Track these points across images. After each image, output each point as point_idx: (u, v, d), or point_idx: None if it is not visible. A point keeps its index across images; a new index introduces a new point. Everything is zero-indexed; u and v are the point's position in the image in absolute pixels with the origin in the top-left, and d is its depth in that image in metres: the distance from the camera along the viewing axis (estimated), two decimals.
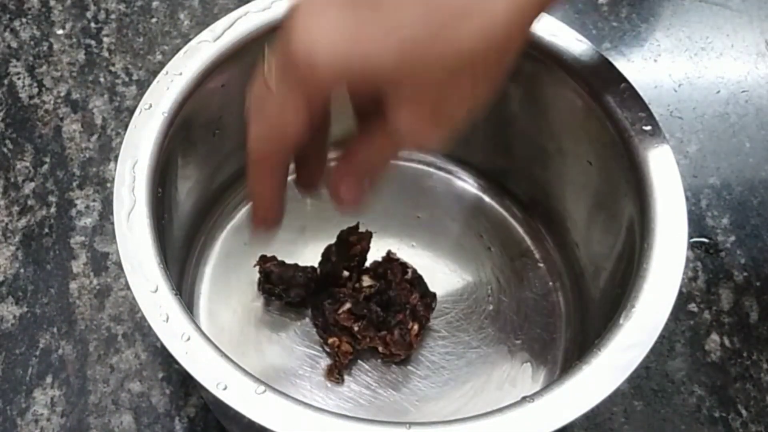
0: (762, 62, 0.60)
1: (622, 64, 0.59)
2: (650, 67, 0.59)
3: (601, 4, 0.62)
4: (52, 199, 0.52)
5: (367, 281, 0.46)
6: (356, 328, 0.44)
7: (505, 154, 0.50)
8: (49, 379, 0.46)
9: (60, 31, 0.58)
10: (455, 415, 0.33)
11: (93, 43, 0.58)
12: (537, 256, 0.50)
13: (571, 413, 0.33)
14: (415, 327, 0.45)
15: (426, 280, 0.47)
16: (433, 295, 0.47)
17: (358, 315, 0.45)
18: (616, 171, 0.41)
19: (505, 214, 0.51)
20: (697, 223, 0.53)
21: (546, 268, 0.49)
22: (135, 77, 0.56)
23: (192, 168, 0.45)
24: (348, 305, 0.45)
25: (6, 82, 0.56)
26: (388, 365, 0.45)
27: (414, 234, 0.50)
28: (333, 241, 0.47)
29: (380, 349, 0.45)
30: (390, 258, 0.47)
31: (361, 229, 0.47)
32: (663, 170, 0.39)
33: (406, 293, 0.46)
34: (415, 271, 0.47)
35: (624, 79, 0.41)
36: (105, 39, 0.58)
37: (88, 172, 0.53)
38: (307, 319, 0.47)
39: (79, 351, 0.47)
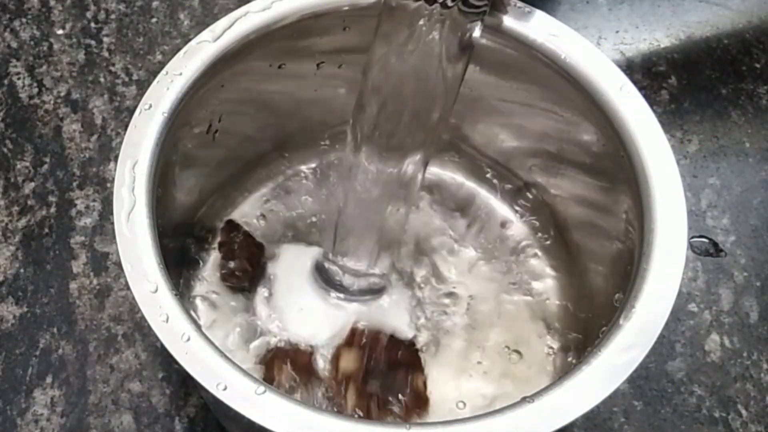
0: None
1: (621, 64, 0.59)
2: (650, 66, 0.59)
3: (601, 4, 0.62)
4: (52, 199, 0.52)
5: (348, 361, 0.44)
6: (372, 407, 0.43)
7: (506, 154, 0.50)
8: (49, 379, 0.46)
9: (60, 31, 0.58)
10: (455, 415, 0.33)
11: (93, 43, 0.58)
12: (537, 256, 0.49)
13: (571, 413, 0.33)
14: (419, 376, 0.44)
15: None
16: (411, 341, 0.45)
17: (366, 400, 0.43)
18: (616, 171, 0.41)
19: (506, 214, 0.51)
20: (697, 223, 0.53)
21: (546, 268, 0.49)
22: (135, 77, 0.56)
23: (192, 168, 0.45)
24: (353, 399, 0.43)
25: (6, 82, 0.56)
26: None
27: (414, 234, 0.50)
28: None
29: (400, 413, 0.43)
30: (364, 334, 0.45)
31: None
32: (663, 170, 0.39)
33: (392, 355, 0.44)
34: (386, 335, 0.45)
35: (624, 79, 0.41)
36: (105, 39, 0.58)
37: (88, 172, 0.53)
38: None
39: (79, 351, 0.47)
